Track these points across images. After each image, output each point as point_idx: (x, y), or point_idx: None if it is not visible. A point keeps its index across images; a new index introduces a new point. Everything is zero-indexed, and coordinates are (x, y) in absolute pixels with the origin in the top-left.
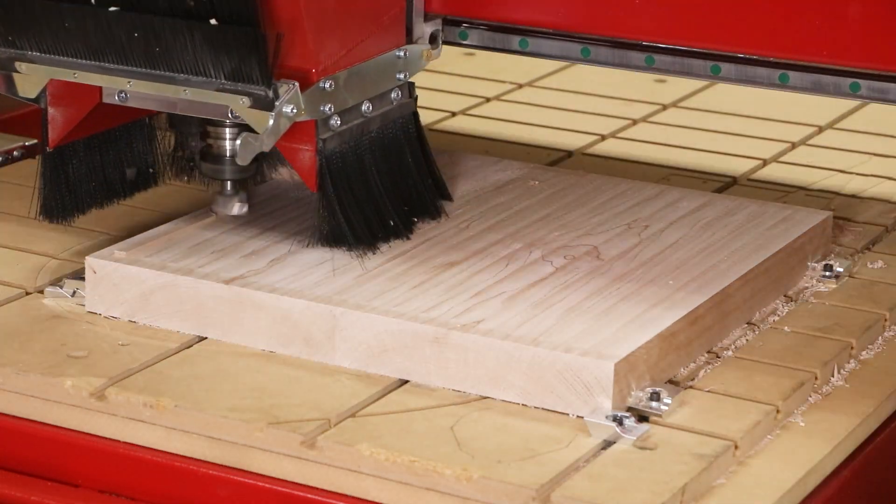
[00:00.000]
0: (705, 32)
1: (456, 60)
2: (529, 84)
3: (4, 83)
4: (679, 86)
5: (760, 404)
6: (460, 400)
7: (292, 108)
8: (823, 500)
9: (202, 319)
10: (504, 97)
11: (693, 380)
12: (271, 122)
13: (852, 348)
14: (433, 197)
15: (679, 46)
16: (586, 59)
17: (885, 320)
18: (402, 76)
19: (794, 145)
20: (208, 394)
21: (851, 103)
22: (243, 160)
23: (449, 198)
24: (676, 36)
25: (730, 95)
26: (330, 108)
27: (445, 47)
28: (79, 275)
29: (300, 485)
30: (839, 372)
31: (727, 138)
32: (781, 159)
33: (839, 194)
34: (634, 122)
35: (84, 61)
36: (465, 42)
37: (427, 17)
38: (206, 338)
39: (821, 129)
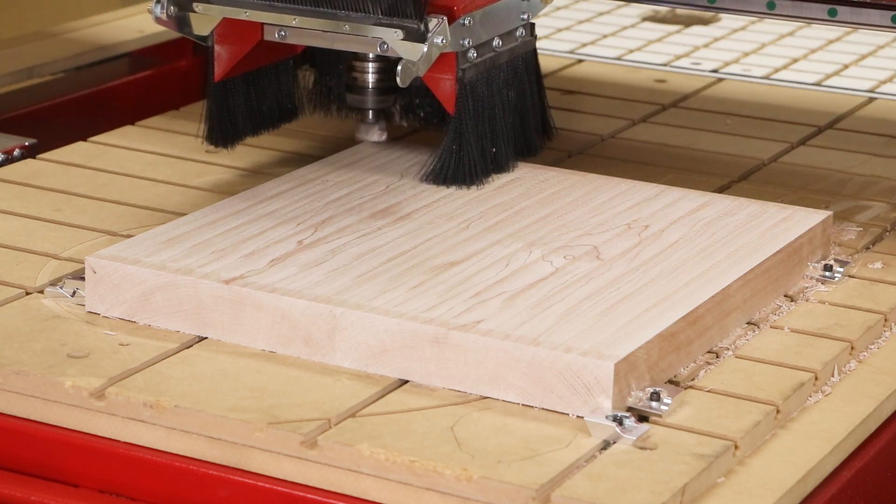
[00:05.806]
0: None
1: None
2: None
3: (177, 23)
4: (679, 86)
5: (760, 404)
6: (460, 400)
7: (441, 39)
8: (823, 500)
9: (202, 319)
10: None
11: (693, 380)
12: (425, 49)
13: (852, 348)
14: (541, 131)
15: None
16: (712, 5)
17: (885, 320)
18: (525, 16)
19: (793, 145)
20: (208, 394)
21: (850, 102)
22: (404, 83)
23: (552, 135)
24: None
25: (730, 95)
26: (468, 42)
27: None
28: (79, 275)
29: (300, 485)
30: (839, 372)
31: (727, 138)
32: (781, 159)
33: (839, 194)
34: (634, 122)
35: (255, 0)
36: (713, 6)
37: None
38: (206, 338)
39: (821, 129)
